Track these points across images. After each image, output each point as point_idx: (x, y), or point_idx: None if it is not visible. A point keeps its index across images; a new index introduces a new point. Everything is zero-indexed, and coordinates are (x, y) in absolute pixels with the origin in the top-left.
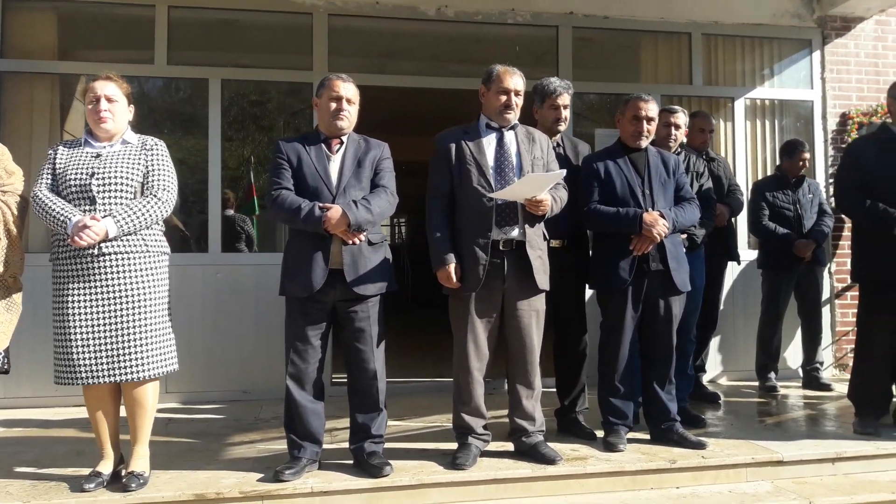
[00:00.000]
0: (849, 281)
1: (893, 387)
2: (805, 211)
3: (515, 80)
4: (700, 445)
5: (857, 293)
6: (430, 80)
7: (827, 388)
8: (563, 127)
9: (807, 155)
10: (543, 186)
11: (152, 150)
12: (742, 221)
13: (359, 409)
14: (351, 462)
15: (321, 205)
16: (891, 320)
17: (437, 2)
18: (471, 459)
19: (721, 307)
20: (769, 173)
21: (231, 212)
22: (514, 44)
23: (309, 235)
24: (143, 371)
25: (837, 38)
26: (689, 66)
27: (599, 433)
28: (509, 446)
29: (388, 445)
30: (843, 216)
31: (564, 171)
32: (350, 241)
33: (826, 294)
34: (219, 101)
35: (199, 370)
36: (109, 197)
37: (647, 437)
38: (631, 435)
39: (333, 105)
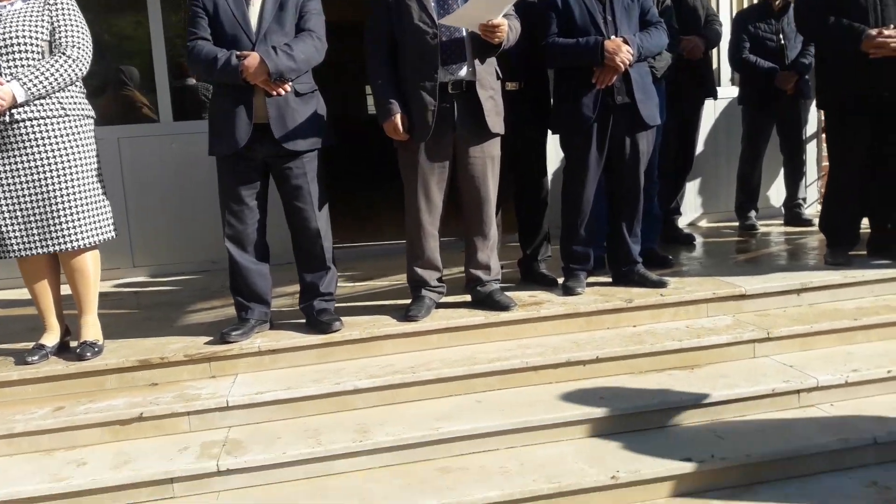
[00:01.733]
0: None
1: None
2: (789, 40)
3: None
4: (661, 284)
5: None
6: None
7: (808, 223)
8: None
9: None
10: (498, 9)
11: (57, 4)
12: (723, 57)
13: (306, 268)
14: (304, 321)
15: (238, 53)
16: (858, 145)
17: None
18: (423, 311)
19: (701, 148)
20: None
21: (193, 80)
22: None
23: (230, 89)
24: (77, 240)
25: None
26: None
27: (562, 280)
28: (467, 298)
29: (347, 304)
30: None
31: None
32: (274, 92)
33: (812, 128)
34: None
35: (167, 242)
36: (13, 60)
37: (609, 280)
38: (593, 279)
39: None
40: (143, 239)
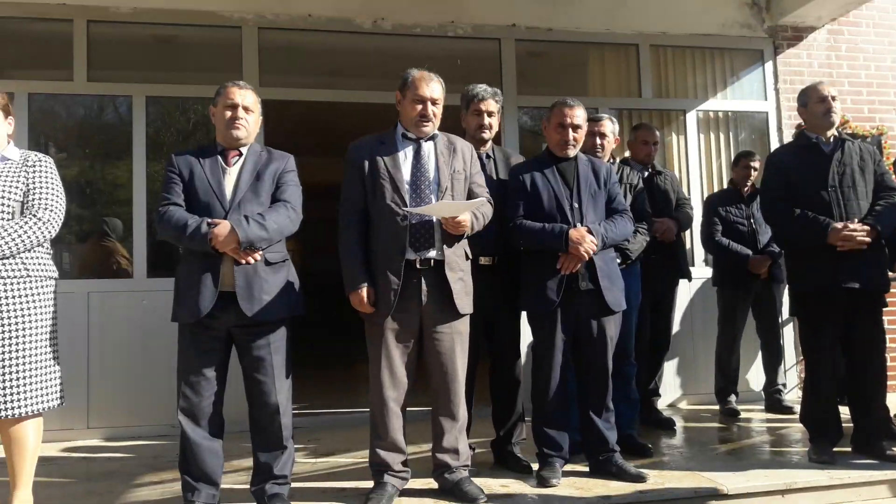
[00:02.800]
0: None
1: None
2: (759, 226)
3: (433, 87)
4: (639, 479)
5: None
6: (366, 95)
7: (789, 410)
8: (487, 135)
9: (753, 162)
10: (461, 210)
11: (35, 166)
12: (696, 238)
13: (260, 446)
14: None
15: (210, 220)
16: (832, 332)
17: (374, 14)
18: (384, 501)
19: (676, 328)
20: (724, 187)
21: None
22: (455, 58)
23: (199, 255)
24: (19, 407)
25: (790, 49)
26: (637, 79)
27: (536, 466)
28: (434, 483)
29: (306, 485)
30: None
31: (483, 200)
32: (243, 261)
33: (787, 312)
34: (143, 119)
35: (125, 403)
36: None
37: (587, 468)
38: (569, 467)
39: (228, 113)
40: (101, 399)
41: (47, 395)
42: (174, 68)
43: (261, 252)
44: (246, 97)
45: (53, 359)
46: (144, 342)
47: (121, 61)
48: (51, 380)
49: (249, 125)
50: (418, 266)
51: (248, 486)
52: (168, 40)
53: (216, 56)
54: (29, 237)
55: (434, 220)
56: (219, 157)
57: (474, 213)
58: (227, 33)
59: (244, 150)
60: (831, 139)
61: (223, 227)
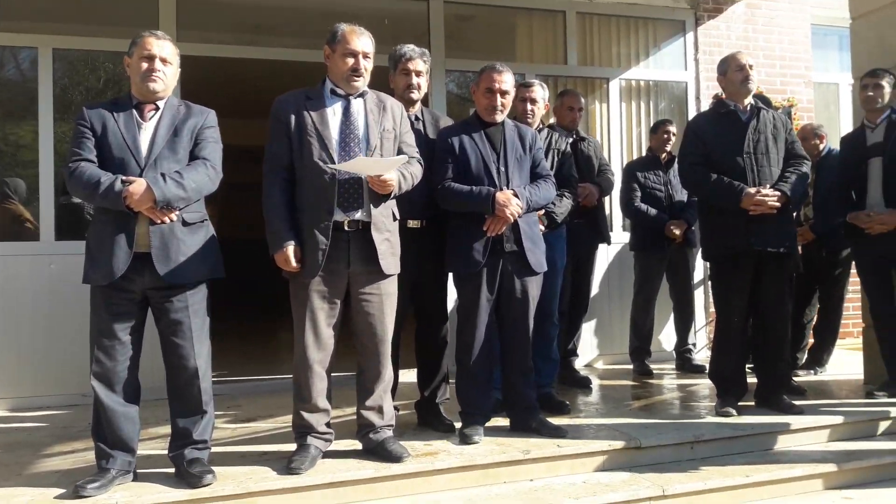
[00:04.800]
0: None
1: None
2: (676, 191)
3: (363, 41)
4: (558, 433)
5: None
6: (290, 53)
7: (700, 369)
8: (415, 95)
9: (671, 129)
10: (386, 167)
11: None
12: (615, 204)
13: (179, 411)
14: (173, 471)
15: (124, 178)
16: (741, 296)
17: None
18: (307, 462)
19: (595, 290)
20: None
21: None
22: (382, 17)
23: (112, 215)
24: None
25: (710, 21)
26: (563, 46)
27: (459, 424)
28: (358, 445)
29: (225, 449)
30: None
31: (405, 158)
32: (159, 221)
33: (699, 275)
34: (50, 74)
35: (31, 372)
36: None
37: (508, 425)
38: (492, 423)
39: (145, 65)
40: (5, 369)
41: None
42: (84, 21)
43: (178, 212)
44: (164, 48)
45: None
46: (52, 308)
47: (26, 11)
48: None
49: (167, 78)
50: (346, 228)
51: (165, 453)
52: None
53: (130, 8)
54: None
55: (363, 178)
56: (134, 111)
57: (402, 172)
58: None
59: (161, 104)
60: (748, 107)
61: (138, 185)
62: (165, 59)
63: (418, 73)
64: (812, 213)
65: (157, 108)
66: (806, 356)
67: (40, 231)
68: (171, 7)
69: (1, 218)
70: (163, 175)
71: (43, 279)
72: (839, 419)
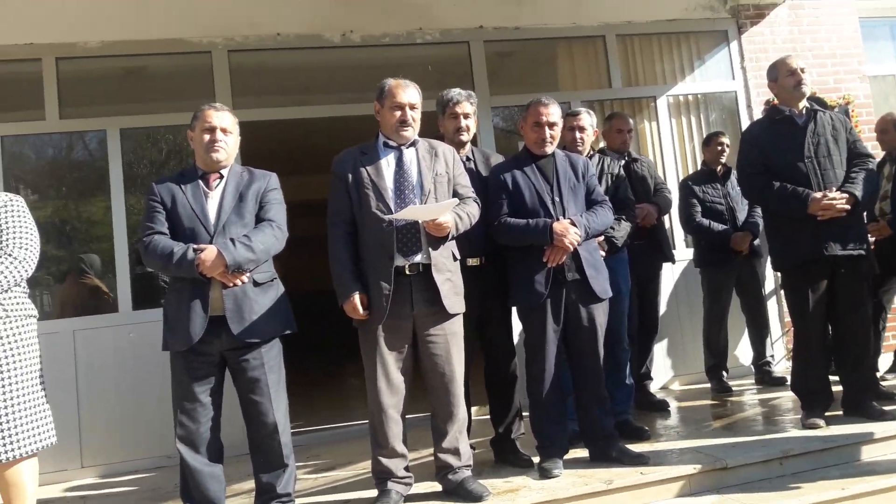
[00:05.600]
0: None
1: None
2: (736, 203)
3: (409, 93)
4: (641, 461)
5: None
6: (341, 109)
7: (780, 382)
8: (465, 137)
9: (724, 140)
10: (440, 211)
11: (6, 206)
12: (675, 221)
13: (262, 467)
14: None
15: (195, 246)
16: (817, 303)
17: (342, 28)
18: None
19: (662, 310)
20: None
21: None
22: (426, 64)
23: (187, 282)
24: (13, 449)
25: (753, 27)
26: (606, 69)
27: (537, 459)
28: (438, 486)
29: (311, 500)
30: None
31: (455, 201)
32: (231, 284)
33: (770, 285)
34: (118, 152)
35: (118, 439)
36: None
37: (587, 455)
38: (571, 455)
39: (207, 137)
40: (94, 437)
41: (40, 434)
42: (146, 99)
43: (248, 274)
44: (223, 119)
45: (43, 397)
46: (134, 375)
47: (92, 96)
48: (42, 419)
49: (229, 147)
50: (407, 272)
51: None
52: (138, 71)
53: (187, 83)
54: (5, 276)
55: (419, 223)
56: (200, 182)
57: (458, 213)
58: (197, 59)
59: (225, 172)
60: (803, 111)
61: (210, 252)
62: (226, 129)
63: (466, 116)
64: (889, 207)
65: (222, 177)
66: (892, 359)
67: (118, 302)
68: (226, 78)
69: (79, 293)
70: (232, 240)
71: (124, 348)
72: None
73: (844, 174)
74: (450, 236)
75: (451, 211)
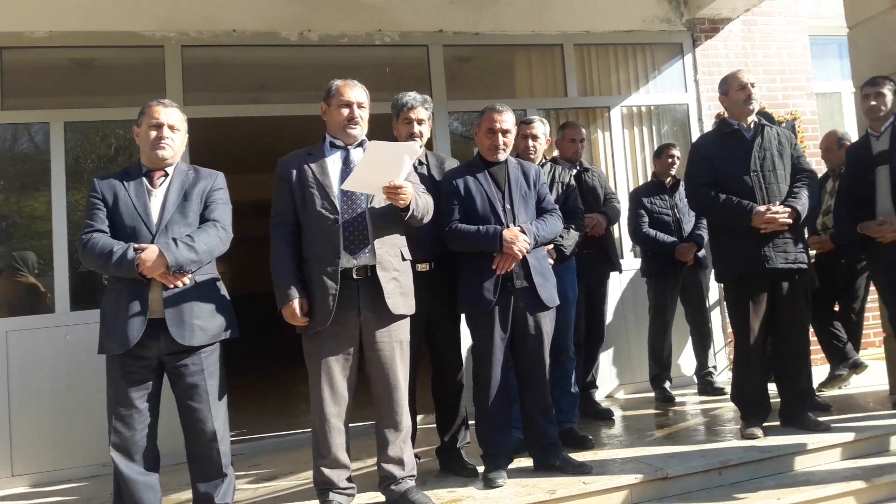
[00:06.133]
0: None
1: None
2: (683, 215)
3: (357, 92)
4: (583, 470)
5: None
6: (295, 108)
7: (721, 392)
8: (418, 143)
9: (675, 152)
10: (396, 163)
11: None
12: (624, 231)
13: (199, 476)
14: None
15: (136, 245)
16: (758, 315)
17: (299, 26)
18: None
19: (609, 319)
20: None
21: None
22: (383, 66)
23: (126, 282)
24: None
25: (707, 41)
26: (563, 78)
27: (482, 468)
28: (381, 497)
29: None
30: None
31: (416, 144)
32: (172, 285)
33: (715, 296)
34: (62, 146)
35: (51, 446)
36: None
37: (532, 465)
38: (515, 464)
39: (154, 133)
40: (26, 444)
41: None
42: (94, 92)
43: (190, 275)
44: (171, 115)
45: None
46: (69, 379)
47: (37, 88)
48: None
49: (175, 144)
50: (355, 276)
51: None
52: (87, 63)
53: (138, 77)
54: None
55: (367, 215)
56: (144, 179)
57: (416, 193)
58: (149, 53)
59: (170, 169)
60: (752, 125)
61: (150, 252)
62: (173, 126)
63: (420, 122)
64: (832, 222)
65: (167, 175)
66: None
67: (55, 302)
68: (178, 73)
69: (13, 292)
70: (174, 240)
71: (59, 351)
72: (867, 434)
73: (788, 189)
74: (410, 211)
75: (411, 183)
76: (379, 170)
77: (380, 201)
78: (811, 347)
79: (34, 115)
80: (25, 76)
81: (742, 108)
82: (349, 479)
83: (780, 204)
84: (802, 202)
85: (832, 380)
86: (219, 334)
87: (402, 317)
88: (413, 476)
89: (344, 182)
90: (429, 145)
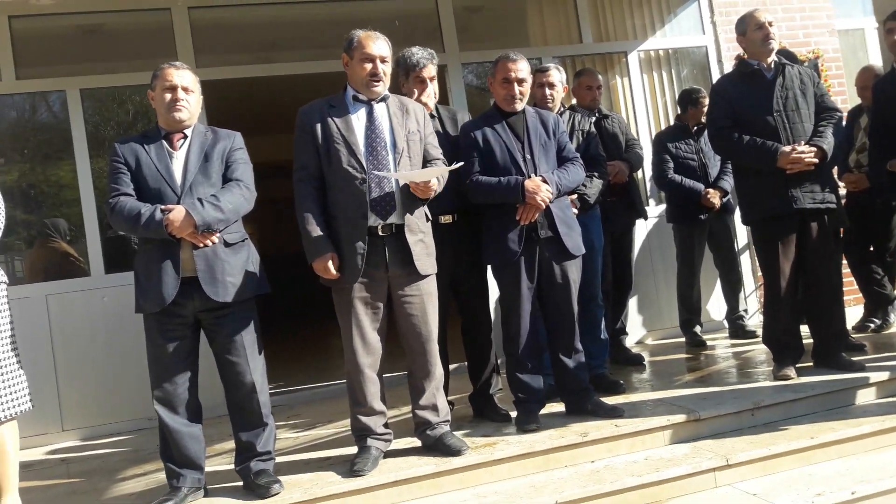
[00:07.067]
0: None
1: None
2: (709, 160)
3: (380, 46)
4: (615, 413)
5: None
6: (307, 66)
7: (753, 335)
8: (432, 102)
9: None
10: (431, 175)
11: None
12: (647, 177)
13: (241, 426)
14: (241, 484)
15: (163, 207)
16: (787, 256)
17: None
18: (370, 463)
19: (637, 266)
20: (671, 124)
21: None
22: (393, 19)
23: (156, 243)
24: None
25: None
26: (577, 25)
27: (514, 413)
28: (418, 442)
29: (289, 458)
30: None
31: (451, 167)
32: (201, 244)
33: (743, 240)
34: (80, 113)
35: (98, 402)
36: None
37: (564, 409)
38: (547, 409)
39: (168, 96)
40: (73, 401)
41: (16, 399)
42: (106, 58)
43: (218, 234)
44: (184, 77)
45: (16, 363)
46: (109, 339)
47: (49, 56)
48: (18, 384)
49: (191, 106)
50: (380, 233)
51: (232, 467)
52: (96, 29)
53: (147, 41)
54: None
55: (394, 183)
56: (163, 142)
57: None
58: (157, 16)
59: (188, 132)
60: (772, 65)
61: (178, 213)
62: (187, 87)
63: (432, 79)
64: (867, 159)
65: (186, 137)
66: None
67: (90, 266)
68: (187, 35)
69: (48, 258)
70: (199, 200)
71: (97, 312)
72: None
73: (812, 128)
74: (428, 199)
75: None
76: (419, 176)
77: (405, 161)
78: (844, 288)
79: (50, 83)
80: (37, 45)
81: (761, 48)
82: (385, 426)
83: (805, 143)
84: (828, 141)
85: (879, 328)
86: (251, 290)
87: (429, 274)
88: (447, 421)
89: (368, 168)
90: (443, 98)
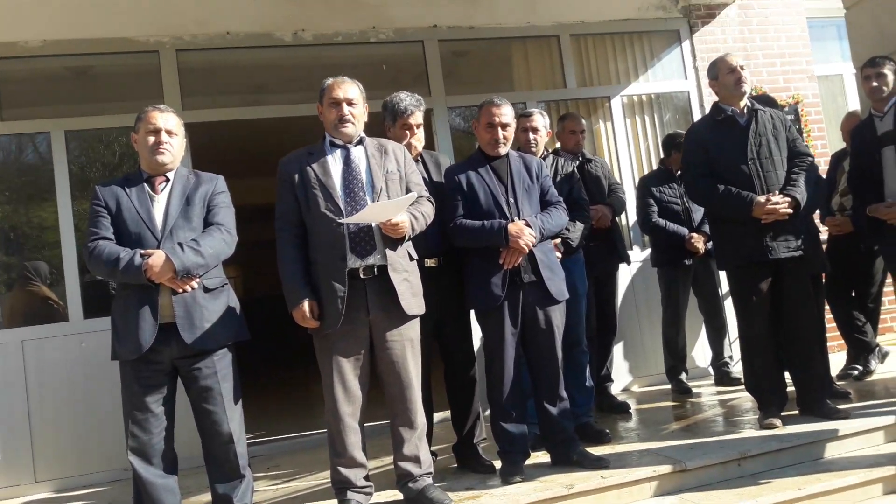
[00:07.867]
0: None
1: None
2: (692, 204)
3: (346, 88)
4: (601, 464)
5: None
6: (293, 109)
7: (738, 381)
8: (419, 147)
9: None
10: (395, 211)
11: None
12: (631, 221)
13: (217, 477)
14: None
15: (142, 252)
16: (762, 301)
17: (293, 26)
18: None
19: (622, 311)
20: (654, 168)
21: None
22: (380, 63)
23: (134, 289)
24: None
25: (704, 27)
26: (561, 69)
27: (499, 464)
28: (399, 495)
29: None
30: None
31: (415, 195)
32: (181, 290)
33: (726, 286)
34: (64, 155)
35: (72, 452)
36: None
37: (549, 460)
38: (532, 460)
39: (152, 139)
40: (47, 450)
41: None
42: (92, 100)
43: (198, 279)
44: (168, 120)
45: None
46: (87, 386)
47: (35, 98)
48: None
49: (174, 149)
50: (362, 275)
51: None
52: (83, 71)
53: (134, 83)
54: None
55: (373, 223)
56: (145, 185)
57: (413, 213)
58: (145, 59)
59: (171, 175)
60: (745, 110)
61: (157, 257)
62: (171, 130)
63: (419, 126)
64: (850, 203)
65: (168, 180)
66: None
67: (69, 310)
68: (174, 78)
69: (28, 302)
70: (180, 244)
71: (75, 358)
72: (890, 419)
73: (785, 175)
74: (406, 237)
75: (407, 211)
76: (378, 213)
77: (384, 200)
78: (827, 335)
79: (34, 125)
80: (23, 87)
81: (733, 92)
82: (366, 478)
83: (779, 193)
84: (801, 190)
85: (861, 375)
86: (230, 337)
87: (414, 316)
88: (430, 473)
89: (346, 210)
90: (430, 142)
